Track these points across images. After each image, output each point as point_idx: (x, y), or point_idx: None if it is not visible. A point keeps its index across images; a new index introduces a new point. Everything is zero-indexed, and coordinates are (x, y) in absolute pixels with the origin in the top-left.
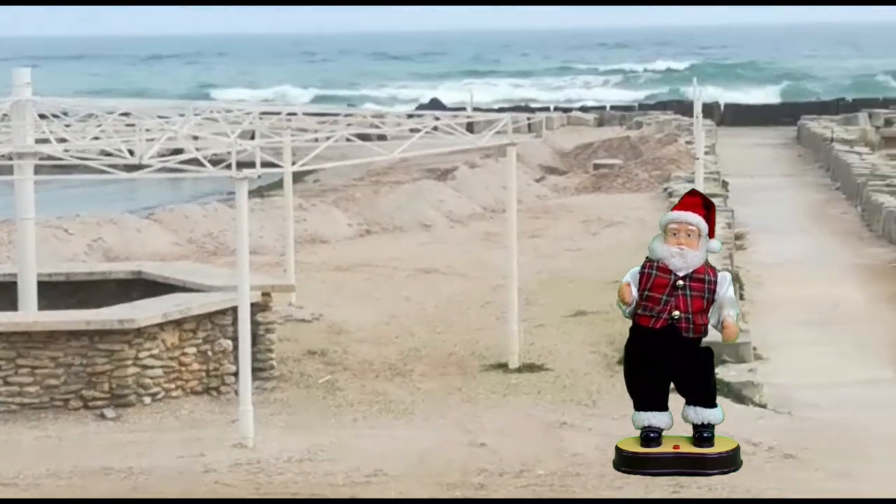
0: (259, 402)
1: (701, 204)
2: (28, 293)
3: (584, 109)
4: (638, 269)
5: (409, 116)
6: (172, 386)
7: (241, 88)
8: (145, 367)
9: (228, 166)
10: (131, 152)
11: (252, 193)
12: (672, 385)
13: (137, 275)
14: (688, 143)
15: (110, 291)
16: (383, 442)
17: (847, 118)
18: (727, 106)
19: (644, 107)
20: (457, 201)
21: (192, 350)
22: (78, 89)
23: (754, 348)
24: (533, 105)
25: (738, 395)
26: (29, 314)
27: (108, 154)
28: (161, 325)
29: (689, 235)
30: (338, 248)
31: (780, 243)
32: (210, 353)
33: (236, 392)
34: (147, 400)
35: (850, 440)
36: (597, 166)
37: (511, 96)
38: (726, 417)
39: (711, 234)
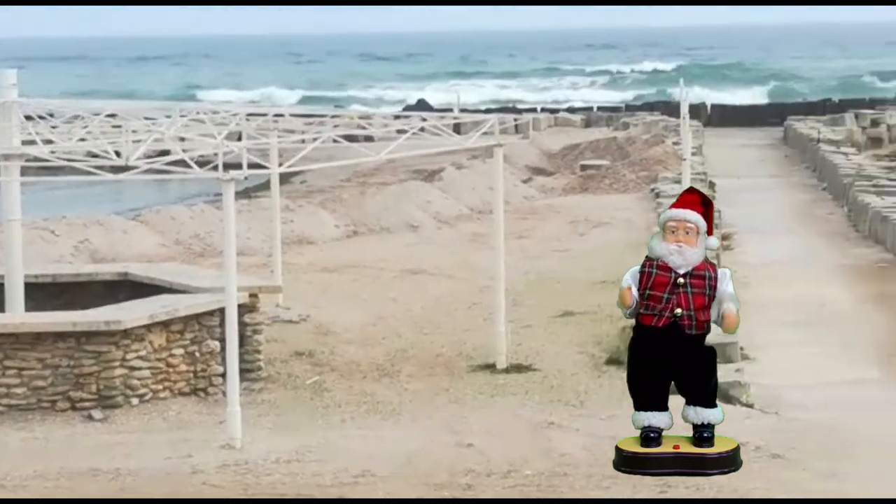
0: (247, 403)
1: (699, 201)
2: (15, 295)
3: (571, 110)
4: (638, 268)
5: (396, 117)
6: (160, 387)
7: (227, 90)
8: (132, 368)
9: (215, 168)
10: (118, 154)
11: (239, 195)
12: (672, 385)
13: (124, 276)
14: (675, 143)
15: (97, 293)
16: (371, 443)
17: (833, 119)
18: (714, 107)
19: (631, 108)
20: (444, 202)
21: (180, 351)
22: (64, 91)
23: (741, 348)
24: (520, 106)
25: (726, 395)
26: (16, 315)
27: (95, 155)
28: (148, 327)
29: (687, 233)
30: (325, 250)
31: (767, 244)
32: (197, 354)
33: (224, 393)
34: (134, 401)
35: (837, 440)
36: (584, 167)
37: (498, 97)
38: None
39: (710, 232)
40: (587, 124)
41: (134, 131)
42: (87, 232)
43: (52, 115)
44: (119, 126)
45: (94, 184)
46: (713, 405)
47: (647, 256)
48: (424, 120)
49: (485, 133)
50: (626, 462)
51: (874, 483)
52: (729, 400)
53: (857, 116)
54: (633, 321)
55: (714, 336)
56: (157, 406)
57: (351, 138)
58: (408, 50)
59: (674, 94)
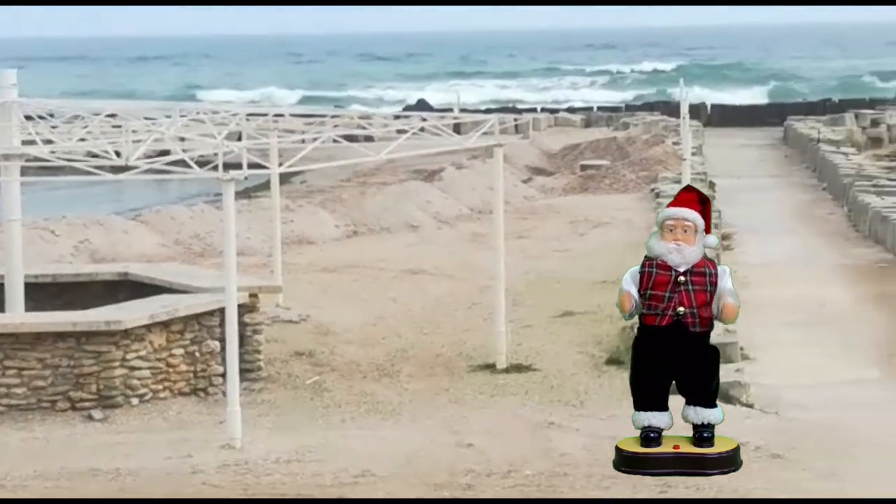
0: (247, 403)
1: (696, 200)
2: (15, 295)
3: (571, 110)
4: (637, 268)
5: (397, 117)
6: (160, 387)
7: (227, 90)
8: (132, 368)
9: (215, 168)
10: (118, 154)
11: (239, 195)
12: (672, 385)
13: (124, 276)
14: (675, 143)
15: (97, 293)
16: (371, 443)
17: (833, 119)
18: (714, 107)
19: (631, 108)
20: (444, 202)
21: (180, 351)
22: (64, 91)
23: (741, 348)
24: (520, 106)
25: (726, 395)
26: (16, 315)
27: (95, 155)
28: (148, 327)
29: (685, 231)
30: (325, 250)
31: (767, 244)
32: (197, 354)
33: (224, 393)
34: (134, 401)
35: (837, 440)
36: (584, 167)
37: (498, 97)
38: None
39: (707, 230)
40: (587, 124)
41: (134, 131)
42: (87, 232)
43: (52, 115)
44: (119, 126)
45: (94, 184)
46: (713, 405)
47: (646, 256)
48: (424, 120)
49: (485, 133)
50: (626, 462)
51: (874, 483)
52: (729, 400)
53: (857, 116)
54: (633, 321)
55: (714, 335)
56: (157, 406)
57: (351, 138)
58: (408, 50)
59: (674, 94)
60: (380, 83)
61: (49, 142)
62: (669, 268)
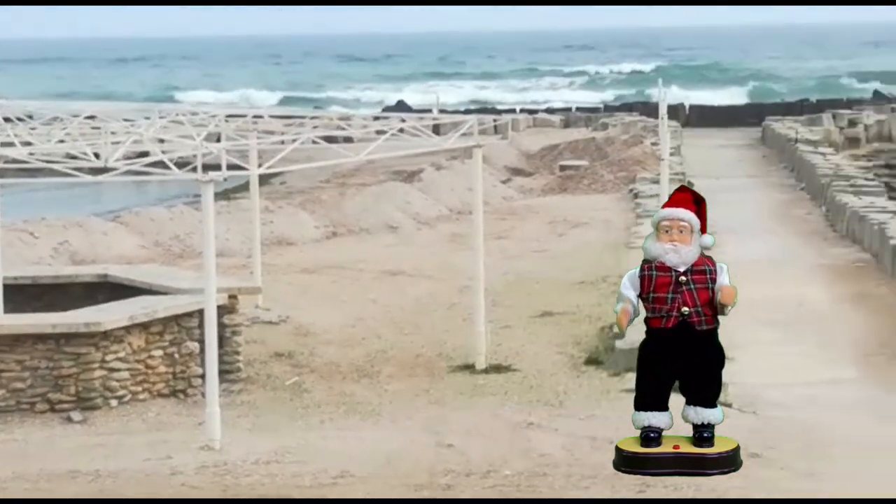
0: (226, 404)
1: (691, 200)
2: None
3: (549, 111)
4: (636, 271)
5: (376, 118)
6: (139, 389)
7: (206, 91)
8: (112, 369)
9: (194, 169)
10: (97, 155)
11: (218, 196)
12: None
13: (104, 278)
14: (653, 144)
15: (76, 295)
16: (350, 443)
17: (811, 119)
18: (692, 107)
19: (610, 108)
20: (423, 203)
21: (159, 353)
22: (43, 92)
23: None
24: (499, 107)
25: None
26: None
27: (74, 157)
28: (127, 328)
29: (681, 232)
30: (304, 251)
31: (745, 244)
32: (177, 355)
33: (203, 394)
34: (113, 403)
35: (815, 440)
36: (563, 168)
37: (476, 98)
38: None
39: (703, 230)
40: (566, 125)
41: (113, 133)
42: (66, 234)
43: (30, 117)
44: (98, 128)
45: (74, 185)
46: (713, 405)
47: (644, 259)
48: (403, 121)
49: (464, 134)
50: (626, 462)
51: (852, 482)
52: None
53: (834, 117)
54: (613, 322)
55: None
56: (136, 408)
57: (330, 139)
58: (386, 51)
59: (652, 95)
60: (358, 84)
61: (28, 144)
62: (669, 269)
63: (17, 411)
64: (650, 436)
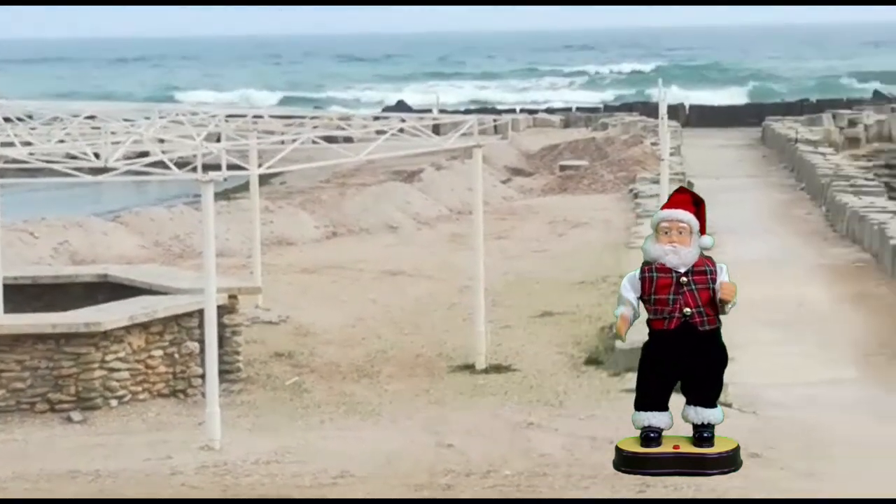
0: (226, 404)
1: (690, 201)
2: None
3: (549, 111)
4: (636, 273)
5: (376, 118)
6: (139, 389)
7: (206, 91)
8: (112, 370)
9: (194, 169)
10: (97, 155)
11: (218, 196)
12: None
13: (104, 278)
14: (653, 144)
15: (76, 295)
16: (350, 443)
17: (811, 119)
18: (692, 107)
19: (610, 108)
20: (423, 203)
21: (159, 353)
22: (43, 92)
23: None
24: (499, 107)
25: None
26: None
27: (74, 157)
28: (127, 328)
29: (680, 233)
30: (304, 251)
31: (745, 244)
32: (177, 355)
33: (203, 394)
34: (113, 403)
35: (815, 440)
36: (563, 167)
37: (477, 98)
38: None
39: (703, 231)
40: (566, 125)
41: (113, 133)
42: (66, 234)
43: (30, 117)
44: (98, 128)
45: (74, 185)
46: (714, 405)
47: (644, 261)
48: (403, 121)
49: (464, 134)
50: (626, 462)
51: (851, 482)
52: None
53: (834, 117)
54: (613, 322)
55: None
56: (136, 407)
57: (330, 139)
58: (386, 51)
59: (652, 95)
60: (358, 84)
61: (28, 144)
62: (669, 270)
63: (17, 411)
64: (650, 436)
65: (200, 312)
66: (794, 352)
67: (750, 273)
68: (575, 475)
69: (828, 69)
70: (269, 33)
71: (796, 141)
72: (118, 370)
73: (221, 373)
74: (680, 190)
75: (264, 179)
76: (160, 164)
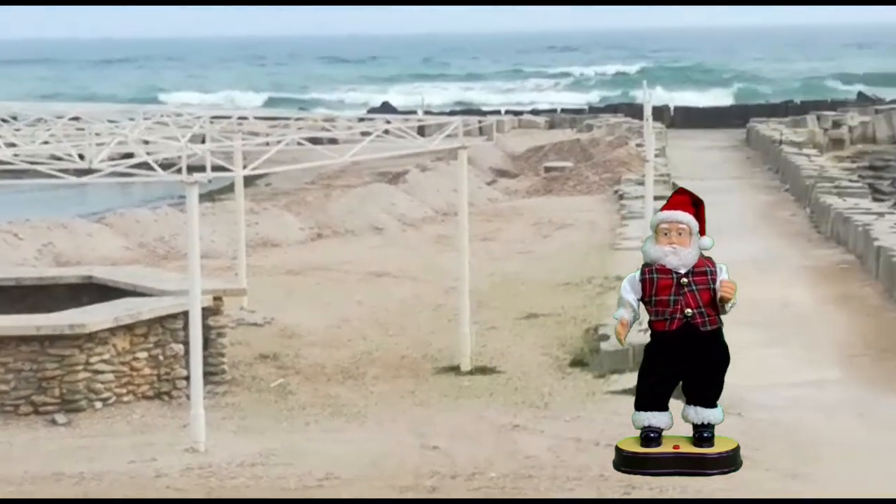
0: (211, 406)
1: (690, 202)
2: None
3: (534, 112)
4: (636, 275)
5: (361, 120)
6: (124, 391)
7: (190, 92)
8: (96, 371)
9: (179, 170)
10: (81, 157)
11: (203, 197)
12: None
13: (88, 279)
14: (638, 145)
15: (61, 296)
16: (335, 445)
17: (795, 120)
18: (677, 108)
19: (594, 110)
20: (408, 204)
21: (144, 354)
22: (27, 93)
23: None
24: (483, 108)
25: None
26: None
27: (58, 158)
28: (112, 330)
29: (680, 234)
30: (289, 252)
31: (730, 245)
32: (161, 357)
33: (188, 396)
34: (98, 405)
35: (800, 441)
36: (548, 169)
37: (461, 99)
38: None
39: (702, 232)
40: (551, 126)
41: (97, 134)
42: (50, 235)
43: (14, 119)
44: (82, 129)
45: (58, 187)
46: (714, 405)
47: (644, 262)
48: (388, 122)
49: (449, 135)
50: (626, 462)
51: (836, 483)
52: None
53: (818, 118)
54: (598, 323)
55: None
56: (120, 410)
57: (315, 141)
58: (370, 52)
59: (637, 97)
60: (343, 86)
61: (12, 145)
62: (670, 271)
63: (0, 414)
64: (650, 436)
65: (185, 314)
66: (779, 353)
67: (734, 274)
68: (560, 477)
69: (812, 71)
70: (253, 35)
71: (781, 142)
72: (102, 372)
73: (206, 375)
74: (679, 191)
75: (249, 181)
76: (145, 166)
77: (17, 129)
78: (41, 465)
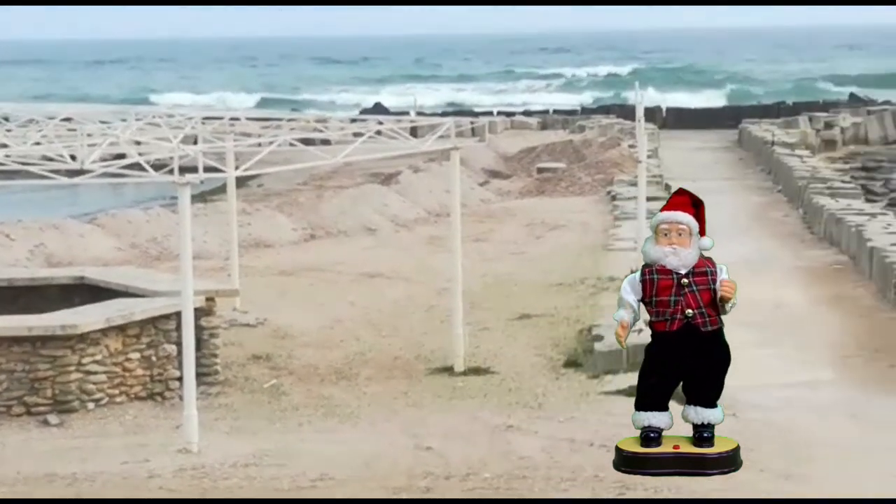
0: (203, 407)
1: (689, 203)
2: None
3: (527, 113)
4: (637, 276)
5: (353, 121)
6: (116, 391)
7: (182, 93)
8: (88, 372)
9: (171, 171)
10: (73, 157)
11: (195, 198)
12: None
13: (80, 280)
14: (630, 146)
15: (53, 297)
16: (329, 446)
17: (788, 121)
18: (669, 109)
19: (587, 111)
20: (401, 205)
21: (136, 355)
22: (18, 94)
23: None
24: (476, 109)
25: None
26: None
27: (50, 159)
28: (104, 331)
29: (680, 235)
30: (282, 253)
31: (723, 246)
32: (154, 358)
33: (181, 397)
34: (90, 406)
35: (793, 441)
36: (540, 170)
37: (454, 100)
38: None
39: (702, 232)
40: (543, 127)
41: (89, 135)
42: (42, 236)
43: (6, 119)
44: (74, 130)
45: (50, 188)
46: (714, 405)
47: (644, 263)
48: (381, 123)
49: (441, 136)
50: (626, 462)
51: (830, 483)
52: None
53: (811, 119)
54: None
55: None
56: (113, 410)
57: (307, 142)
58: (363, 53)
59: (629, 98)
60: (335, 87)
61: (3, 146)
62: (670, 272)
63: None
64: (650, 436)
65: (178, 315)
66: (772, 354)
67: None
68: (554, 477)
69: (804, 72)
70: (245, 36)
71: (773, 143)
72: (95, 373)
73: (199, 375)
74: (679, 192)
75: (241, 182)
76: (136, 167)
77: (8, 130)
78: (34, 465)
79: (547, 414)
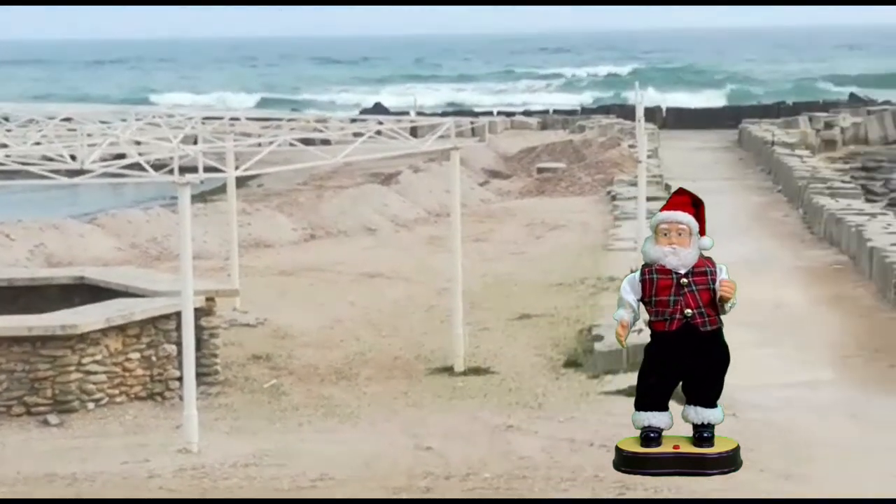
0: (203, 407)
1: (689, 202)
2: None
3: (527, 113)
4: (636, 276)
5: (353, 121)
6: (116, 391)
7: (182, 93)
8: (88, 372)
9: (171, 171)
10: (73, 157)
11: (195, 198)
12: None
13: (80, 280)
14: (630, 146)
15: (53, 297)
16: (329, 446)
17: (788, 121)
18: (669, 109)
19: (587, 111)
20: (401, 205)
21: (136, 355)
22: (18, 94)
23: None
24: (476, 109)
25: (681, 397)
26: None
27: (50, 159)
28: (104, 331)
29: (680, 234)
30: (282, 253)
31: (723, 246)
32: (154, 358)
33: (181, 397)
34: (90, 406)
35: (793, 441)
36: (540, 170)
37: (454, 100)
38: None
39: (702, 232)
40: (543, 127)
41: (89, 135)
42: (42, 236)
43: (6, 119)
44: (74, 130)
45: (50, 188)
46: (714, 405)
47: (644, 263)
48: (381, 123)
49: (441, 136)
50: (626, 462)
51: (830, 483)
52: None
53: (810, 119)
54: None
55: None
56: (113, 410)
57: (307, 142)
58: (363, 53)
59: (629, 98)
60: (335, 87)
61: (3, 146)
62: (670, 271)
63: None
64: (650, 436)
65: (178, 315)
66: (772, 354)
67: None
68: (554, 478)
69: (804, 72)
70: (245, 36)
71: (773, 143)
72: (95, 373)
73: (199, 375)
74: (679, 191)
75: (241, 182)
76: (136, 167)
77: (8, 130)
78: (34, 465)
79: (547, 414)
